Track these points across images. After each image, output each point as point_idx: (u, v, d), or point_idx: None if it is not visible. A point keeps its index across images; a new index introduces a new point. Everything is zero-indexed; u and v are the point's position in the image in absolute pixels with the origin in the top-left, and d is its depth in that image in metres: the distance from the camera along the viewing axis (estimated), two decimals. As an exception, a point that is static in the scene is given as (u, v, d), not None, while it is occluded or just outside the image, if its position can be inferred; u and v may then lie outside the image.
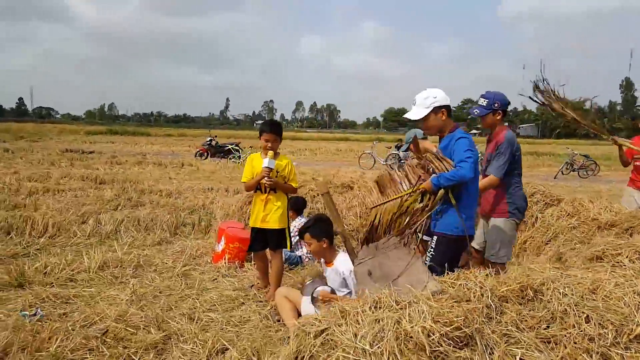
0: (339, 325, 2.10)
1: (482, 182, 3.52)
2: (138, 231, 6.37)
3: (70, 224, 6.39)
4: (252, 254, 5.14)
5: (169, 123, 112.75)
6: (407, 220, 2.99)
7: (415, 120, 3.08)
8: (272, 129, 4.09)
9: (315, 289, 3.26)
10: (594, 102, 4.22)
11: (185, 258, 5.22)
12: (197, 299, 4.03)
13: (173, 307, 3.87)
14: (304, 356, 2.09)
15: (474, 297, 2.11)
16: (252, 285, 4.38)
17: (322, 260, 3.62)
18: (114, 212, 7.38)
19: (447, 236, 2.94)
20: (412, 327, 1.91)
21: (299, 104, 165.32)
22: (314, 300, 3.28)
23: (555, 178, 16.79)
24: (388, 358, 1.82)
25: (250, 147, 20.03)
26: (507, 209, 3.50)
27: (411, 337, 1.89)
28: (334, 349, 2.01)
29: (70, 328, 3.28)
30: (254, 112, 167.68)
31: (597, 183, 15.25)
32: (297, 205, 5.25)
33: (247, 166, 4.22)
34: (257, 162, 4.15)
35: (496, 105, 3.64)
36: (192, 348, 3.11)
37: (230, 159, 18.58)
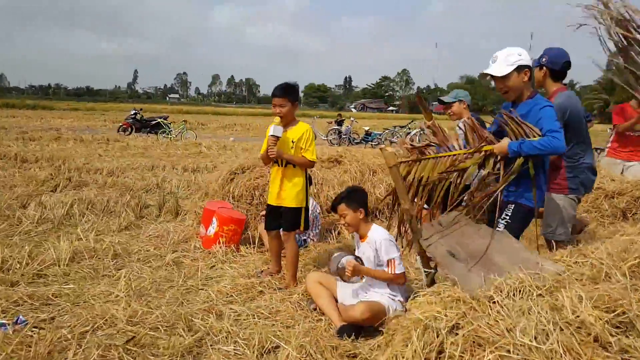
0: (475, 319, 1.83)
1: None
2: (96, 215, 5.58)
3: (8, 208, 5.45)
4: (249, 236, 4.76)
5: (70, 96, 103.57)
6: (460, 185, 2.78)
7: (495, 78, 2.81)
8: (281, 91, 3.64)
9: (341, 260, 2.99)
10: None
11: (169, 244, 4.63)
12: (208, 291, 3.54)
13: (184, 301, 3.37)
14: (434, 357, 1.81)
15: (610, 277, 1.95)
16: (262, 272, 3.96)
17: (356, 237, 3.31)
18: (54, 194, 6.47)
19: (524, 207, 2.73)
20: (576, 316, 1.70)
21: (216, 78, 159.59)
22: (339, 271, 2.99)
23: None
24: (564, 355, 1.59)
25: (184, 121, 18.78)
26: (568, 184, 3.39)
27: (579, 327, 1.68)
28: (481, 347, 1.74)
29: (68, 336, 2.70)
30: (165, 85, 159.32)
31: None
32: None
33: (265, 137, 3.76)
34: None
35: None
36: (234, 349, 2.69)
37: (160, 133, 17.27)
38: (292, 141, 3.66)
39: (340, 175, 5.54)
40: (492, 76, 2.83)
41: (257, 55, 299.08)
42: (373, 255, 3.08)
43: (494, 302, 1.88)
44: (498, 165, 2.76)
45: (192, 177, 8.34)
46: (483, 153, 2.74)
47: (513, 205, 2.78)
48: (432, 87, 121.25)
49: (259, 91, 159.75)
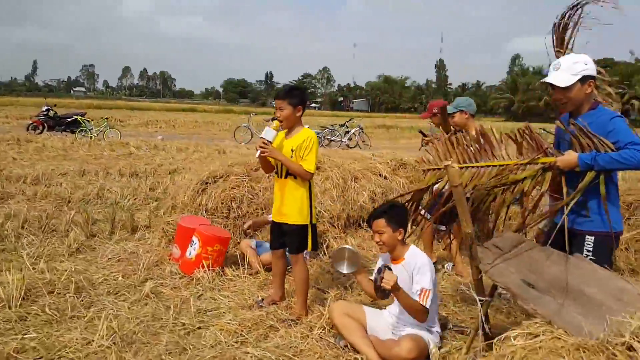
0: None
1: None
2: (35, 235, 4.72)
3: None
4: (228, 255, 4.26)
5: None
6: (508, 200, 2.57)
7: (555, 87, 2.58)
8: (282, 94, 3.24)
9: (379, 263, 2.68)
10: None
11: (140, 270, 3.98)
12: (211, 330, 3.03)
13: (188, 347, 2.83)
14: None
15: None
16: (263, 300, 3.50)
17: (384, 257, 2.98)
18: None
19: (605, 235, 2.45)
20: None
21: (126, 70, 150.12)
22: (380, 272, 2.63)
23: (419, 150, 18.24)
24: None
25: (106, 118, 17.18)
26: None
27: None
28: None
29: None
30: (69, 78, 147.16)
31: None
32: None
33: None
34: (279, 135, 3.30)
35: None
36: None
37: (79, 132, 15.64)
38: (292, 149, 3.24)
39: (322, 182, 5.17)
40: (551, 85, 2.61)
41: (173, 47, 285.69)
42: (407, 280, 2.77)
43: (631, 350, 1.66)
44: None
45: (136, 184, 7.49)
46: (540, 165, 2.53)
47: (592, 237, 2.49)
48: (352, 85, 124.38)
49: (174, 85, 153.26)
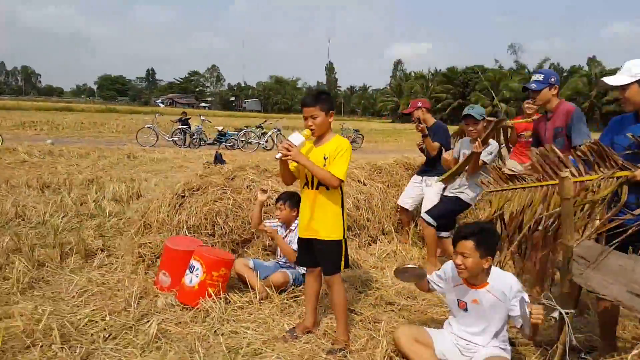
0: None
1: None
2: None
3: None
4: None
5: None
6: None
7: (613, 87, 2.67)
8: (312, 100, 2.92)
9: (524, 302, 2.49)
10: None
11: (130, 305, 3.33)
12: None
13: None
14: None
15: None
16: (294, 328, 3.13)
17: (450, 273, 2.81)
18: None
19: None
20: None
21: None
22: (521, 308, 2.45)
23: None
24: None
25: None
26: None
27: None
28: None
29: None
30: None
31: (365, 153, 17.40)
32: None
33: None
34: (306, 146, 2.98)
35: (552, 79, 3.59)
36: None
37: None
38: (325, 157, 2.93)
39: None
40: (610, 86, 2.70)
41: (37, 40, 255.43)
42: (497, 301, 2.60)
43: None
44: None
45: (56, 198, 6.41)
46: (617, 180, 2.57)
47: None
48: (243, 84, 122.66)
49: (39, 81, 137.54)
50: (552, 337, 2.94)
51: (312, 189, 2.97)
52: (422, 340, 2.72)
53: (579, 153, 2.71)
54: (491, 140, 4.19)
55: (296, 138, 2.83)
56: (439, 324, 3.27)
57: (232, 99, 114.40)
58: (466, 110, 4.22)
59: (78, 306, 3.36)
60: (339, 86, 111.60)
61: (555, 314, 2.54)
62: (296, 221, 3.99)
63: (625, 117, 2.80)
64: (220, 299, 3.42)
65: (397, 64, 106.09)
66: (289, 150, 2.77)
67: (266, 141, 17.21)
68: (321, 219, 2.96)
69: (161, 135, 16.69)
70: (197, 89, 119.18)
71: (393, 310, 3.54)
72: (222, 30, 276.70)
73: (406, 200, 5.12)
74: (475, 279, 2.65)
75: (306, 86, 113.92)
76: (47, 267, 4.04)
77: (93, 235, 4.82)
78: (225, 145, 16.45)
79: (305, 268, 3.24)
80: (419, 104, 5.04)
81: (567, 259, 2.43)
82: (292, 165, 3.05)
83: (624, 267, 2.40)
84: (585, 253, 2.53)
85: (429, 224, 4.19)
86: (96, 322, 3.11)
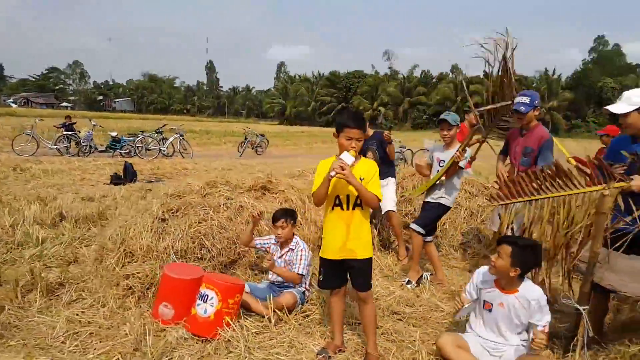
0: None
1: None
2: None
3: None
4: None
5: None
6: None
7: (615, 115, 3.15)
8: (359, 123, 3.02)
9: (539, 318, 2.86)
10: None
11: (145, 347, 3.04)
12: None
13: None
14: None
15: None
16: (324, 349, 3.15)
17: (488, 286, 3.09)
18: None
19: None
20: None
21: None
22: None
23: (241, 156, 18.22)
24: None
25: None
26: None
27: None
28: None
29: None
30: None
31: (274, 158, 17.54)
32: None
33: (318, 176, 3.02)
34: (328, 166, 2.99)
35: (537, 102, 4.06)
36: None
37: None
38: (361, 178, 3.05)
39: (281, 205, 4.82)
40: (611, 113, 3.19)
41: None
42: (522, 309, 2.93)
43: None
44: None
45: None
46: (618, 190, 3.02)
47: None
48: (111, 82, 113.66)
49: None
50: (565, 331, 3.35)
51: (348, 209, 3.03)
52: (462, 345, 2.96)
53: (580, 166, 3.15)
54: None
55: (348, 158, 2.86)
56: (444, 326, 3.56)
57: (100, 98, 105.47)
58: (442, 116, 4.58)
59: (75, 352, 2.99)
60: (221, 86, 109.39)
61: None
62: (296, 240, 3.99)
63: (622, 139, 3.33)
64: (238, 327, 3.30)
65: (281, 66, 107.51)
66: (343, 169, 2.80)
67: (167, 147, 16.30)
68: (358, 239, 3.04)
69: (42, 143, 14.88)
70: (57, 87, 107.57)
71: (402, 320, 3.73)
72: (85, 23, 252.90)
73: (393, 205, 5.36)
74: (508, 284, 2.96)
75: (184, 85, 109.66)
76: (8, 310, 3.49)
77: (39, 268, 4.25)
78: (121, 153, 15.22)
79: (330, 289, 3.25)
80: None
81: (593, 264, 2.84)
82: (316, 185, 3.03)
83: (630, 266, 2.89)
84: (585, 256, 2.98)
85: (419, 232, 4.47)
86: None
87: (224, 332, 3.23)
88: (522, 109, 4.02)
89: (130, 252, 3.83)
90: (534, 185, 3.23)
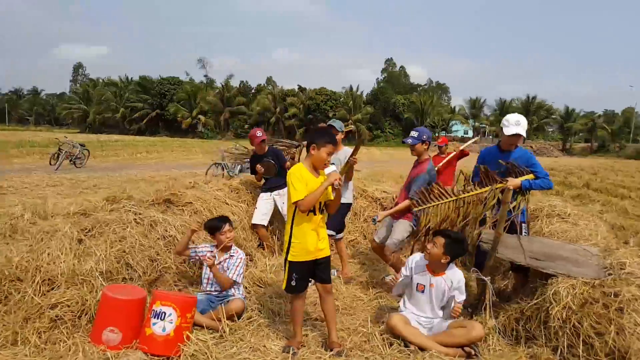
0: None
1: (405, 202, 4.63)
2: None
3: None
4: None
5: None
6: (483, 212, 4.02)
7: (518, 136, 4.08)
8: (335, 140, 3.46)
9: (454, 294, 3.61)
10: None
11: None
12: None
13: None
14: None
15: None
16: (289, 347, 3.38)
17: (417, 264, 3.75)
18: None
19: (525, 222, 4.16)
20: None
21: None
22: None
23: (57, 170, 16.11)
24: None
25: None
26: (412, 215, 4.61)
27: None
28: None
29: None
30: None
31: (101, 171, 16.11)
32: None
33: (298, 182, 3.27)
34: (307, 175, 3.33)
35: (424, 137, 4.70)
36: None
37: None
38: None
39: (191, 218, 4.77)
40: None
41: None
42: (446, 288, 3.66)
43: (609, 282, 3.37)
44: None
45: None
46: (499, 189, 4.01)
47: (525, 225, 4.20)
48: None
49: None
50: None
51: (320, 214, 3.40)
52: (407, 322, 3.55)
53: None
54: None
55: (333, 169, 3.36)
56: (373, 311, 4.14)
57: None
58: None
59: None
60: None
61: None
62: (235, 248, 4.09)
63: (491, 149, 4.33)
64: (197, 340, 3.29)
65: (78, 67, 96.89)
66: (340, 182, 3.25)
67: None
68: (324, 239, 3.45)
69: None
70: None
71: (349, 313, 4.16)
72: None
73: (262, 218, 5.65)
74: (438, 268, 3.65)
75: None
76: None
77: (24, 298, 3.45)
78: None
79: (298, 292, 3.48)
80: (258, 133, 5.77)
81: (497, 242, 3.72)
82: (304, 193, 3.25)
83: (521, 244, 3.86)
84: (489, 238, 3.89)
85: (333, 236, 4.94)
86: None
87: (187, 347, 3.19)
88: (410, 141, 4.66)
89: (49, 279, 3.41)
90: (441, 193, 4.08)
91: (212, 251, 4.02)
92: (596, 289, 3.30)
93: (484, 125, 66.96)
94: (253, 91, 70.19)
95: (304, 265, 3.41)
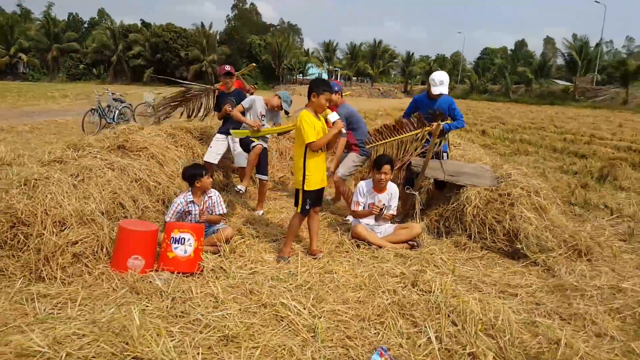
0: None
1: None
2: None
3: None
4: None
5: None
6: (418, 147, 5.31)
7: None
8: (330, 87, 4.29)
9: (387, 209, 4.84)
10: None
11: (167, 300, 3.44)
12: (338, 284, 3.87)
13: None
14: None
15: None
16: (282, 257, 4.28)
17: (368, 187, 4.86)
18: None
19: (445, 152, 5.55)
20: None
21: None
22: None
23: None
24: None
25: None
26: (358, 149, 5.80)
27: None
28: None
29: None
30: None
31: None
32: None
33: (309, 127, 4.07)
34: (313, 119, 4.15)
35: (336, 88, 5.64)
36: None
37: None
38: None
39: (149, 162, 5.17)
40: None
41: None
42: (387, 200, 4.88)
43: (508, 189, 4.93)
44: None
45: None
46: (427, 131, 5.29)
47: (445, 153, 5.57)
48: None
49: None
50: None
51: (323, 152, 4.28)
52: (367, 229, 4.71)
53: (412, 119, 5.30)
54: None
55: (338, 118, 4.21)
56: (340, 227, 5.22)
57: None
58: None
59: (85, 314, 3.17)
60: None
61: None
62: (212, 189, 4.68)
63: (422, 97, 5.56)
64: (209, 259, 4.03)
65: None
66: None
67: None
68: (325, 171, 4.45)
69: None
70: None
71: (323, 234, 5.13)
72: None
73: (215, 157, 6.18)
74: (383, 188, 4.83)
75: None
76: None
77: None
78: None
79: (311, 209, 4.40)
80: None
81: (425, 166, 5.01)
82: (315, 135, 4.09)
83: (437, 164, 5.21)
84: (417, 162, 5.19)
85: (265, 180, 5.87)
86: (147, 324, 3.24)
87: (206, 264, 3.91)
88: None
89: (59, 221, 3.74)
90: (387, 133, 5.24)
91: (192, 201, 4.51)
92: (494, 192, 4.82)
93: (337, 69, 70.42)
94: (85, 25, 62.93)
95: (315, 192, 4.30)
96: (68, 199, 3.88)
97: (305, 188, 4.21)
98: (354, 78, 69.02)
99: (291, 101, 5.85)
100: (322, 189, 4.42)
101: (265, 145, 5.69)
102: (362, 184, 4.93)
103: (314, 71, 69.15)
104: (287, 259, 4.28)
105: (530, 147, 13.09)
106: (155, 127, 6.55)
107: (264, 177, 5.84)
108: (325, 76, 68.09)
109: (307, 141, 4.08)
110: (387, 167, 4.73)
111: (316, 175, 4.26)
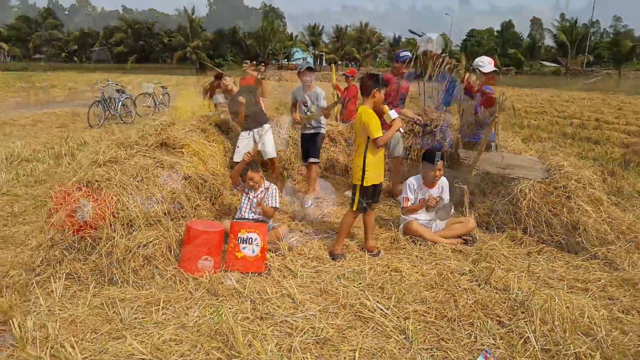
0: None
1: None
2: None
3: None
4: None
5: None
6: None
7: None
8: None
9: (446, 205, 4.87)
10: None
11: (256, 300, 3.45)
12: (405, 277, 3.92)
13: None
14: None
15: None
16: (338, 255, 4.30)
17: (418, 183, 4.88)
18: None
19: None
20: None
21: None
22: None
23: None
24: None
25: None
26: None
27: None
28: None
29: None
30: None
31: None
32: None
33: (375, 120, 4.10)
34: (375, 115, 4.18)
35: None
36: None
37: None
38: None
39: (191, 158, 5.14)
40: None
41: None
42: (439, 194, 4.91)
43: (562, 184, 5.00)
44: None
45: None
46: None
47: (493, 143, 5.65)
48: None
49: None
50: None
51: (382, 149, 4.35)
52: (420, 225, 4.75)
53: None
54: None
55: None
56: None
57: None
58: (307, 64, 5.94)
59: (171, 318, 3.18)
60: None
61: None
62: (266, 182, 4.69)
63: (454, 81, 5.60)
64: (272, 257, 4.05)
65: None
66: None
67: None
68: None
69: None
70: None
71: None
72: None
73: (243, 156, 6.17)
74: (434, 183, 4.87)
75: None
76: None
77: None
78: None
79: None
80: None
81: (476, 160, 5.05)
82: (379, 132, 4.12)
83: (484, 158, 5.25)
84: (466, 155, 5.23)
85: (316, 162, 5.86)
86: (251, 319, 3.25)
87: (271, 263, 3.94)
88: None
89: (128, 223, 3.72)
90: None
91: (248, 192, 4.60)
92: (549, 185, 4.88)
93: (322, 53, 69.92)
94: (66, 12, 61.63)
95: (371, 188, 4.32)
96: (133, 201, 3.85)
97: (364, 184, 4.26)
98: (340, 62, 68.65)
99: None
100: (380, 185, 4.45)
101: (323, 130, 6.05)
102: (411, 180, 4.95)
103: (299, 55, 68.56)
104: (342, 256, 4.32)
105: (543, 133, 13.16)
106: (186, 121, 6.48)
107: (315, 160, 5.98)
108: (310, 60, 67.69)
109: (375, 136, 4.11)
110: (441, 164, 4.76)
111: (375, 171, 4.31)
